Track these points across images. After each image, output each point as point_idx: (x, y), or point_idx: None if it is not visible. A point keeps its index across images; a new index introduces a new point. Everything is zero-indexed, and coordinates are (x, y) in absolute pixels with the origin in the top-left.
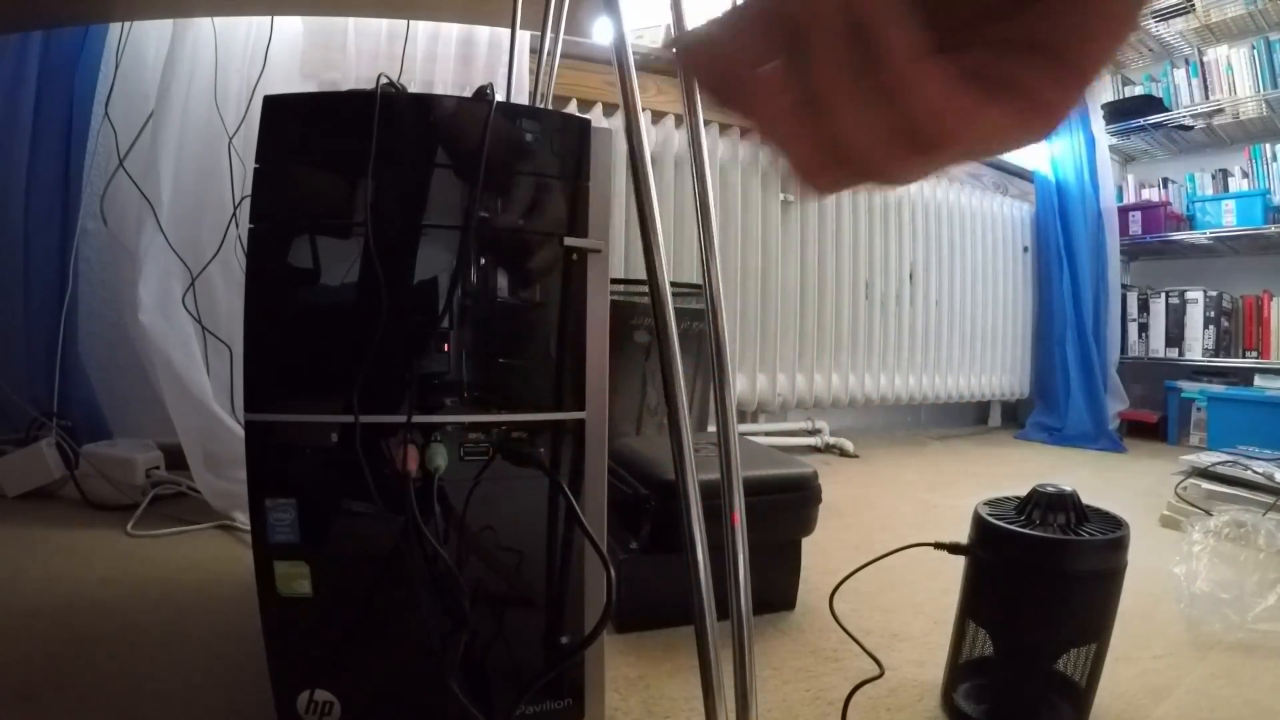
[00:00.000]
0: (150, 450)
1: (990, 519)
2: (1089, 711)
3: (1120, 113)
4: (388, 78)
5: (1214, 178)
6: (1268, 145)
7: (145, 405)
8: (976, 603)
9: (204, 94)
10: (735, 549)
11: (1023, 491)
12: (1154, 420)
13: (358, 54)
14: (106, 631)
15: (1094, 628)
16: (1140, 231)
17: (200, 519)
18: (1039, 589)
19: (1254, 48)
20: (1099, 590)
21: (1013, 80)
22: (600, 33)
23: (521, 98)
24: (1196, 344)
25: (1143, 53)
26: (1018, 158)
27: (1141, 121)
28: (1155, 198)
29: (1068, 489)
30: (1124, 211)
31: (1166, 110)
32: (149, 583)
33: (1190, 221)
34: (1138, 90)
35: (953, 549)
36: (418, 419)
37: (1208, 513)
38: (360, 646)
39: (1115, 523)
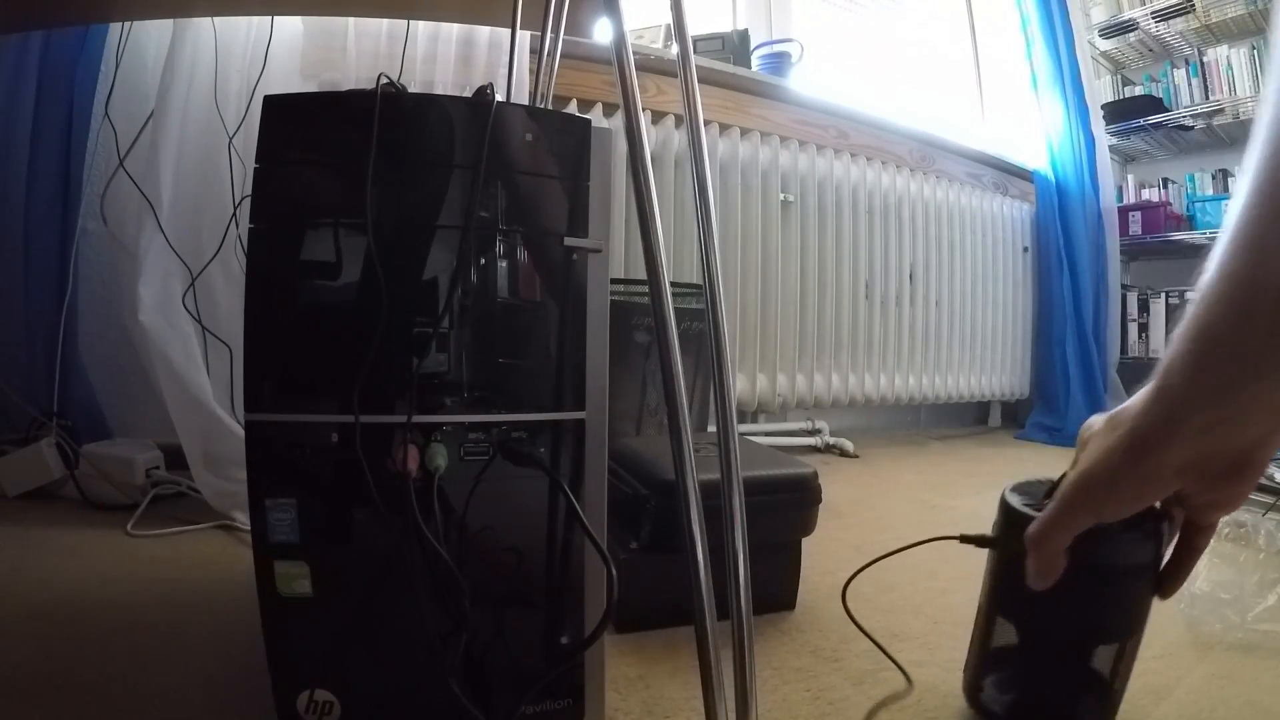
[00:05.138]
0: (150, 450)
1: (1021, 508)
2: (1117, 709)
3: (1120, 113)
4: (388, 78)
5: (1214, 178)
6: None
7: (145, 405)
8: (1003, 596)
9: (204, 94)
10: (735, 549)
11: None
12: None
13: (358, 54)
14: (106, 631)
15: (1129, 623)
16: (1140, 232)
17: (200, 519)
18: (1073, 582)
19: (1254, 48)
20: (1135, 584)
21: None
22: (600, 33)
23: (521, 98)
24: None
25: (1143, 53)
26: (1018, 158)
27: (1141, 122)
28: (1155, 198)
29: None
30: (1124, 212)
31: (1166, 110)
32: (149, 583)
33: (1190, 221)
34: (1138, 90)
35: (979, 541)
36: (418, 419)
37: None
38: (360, 646)
39: (1152, 514)
